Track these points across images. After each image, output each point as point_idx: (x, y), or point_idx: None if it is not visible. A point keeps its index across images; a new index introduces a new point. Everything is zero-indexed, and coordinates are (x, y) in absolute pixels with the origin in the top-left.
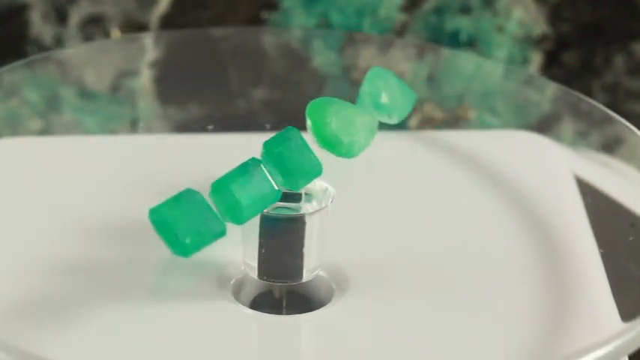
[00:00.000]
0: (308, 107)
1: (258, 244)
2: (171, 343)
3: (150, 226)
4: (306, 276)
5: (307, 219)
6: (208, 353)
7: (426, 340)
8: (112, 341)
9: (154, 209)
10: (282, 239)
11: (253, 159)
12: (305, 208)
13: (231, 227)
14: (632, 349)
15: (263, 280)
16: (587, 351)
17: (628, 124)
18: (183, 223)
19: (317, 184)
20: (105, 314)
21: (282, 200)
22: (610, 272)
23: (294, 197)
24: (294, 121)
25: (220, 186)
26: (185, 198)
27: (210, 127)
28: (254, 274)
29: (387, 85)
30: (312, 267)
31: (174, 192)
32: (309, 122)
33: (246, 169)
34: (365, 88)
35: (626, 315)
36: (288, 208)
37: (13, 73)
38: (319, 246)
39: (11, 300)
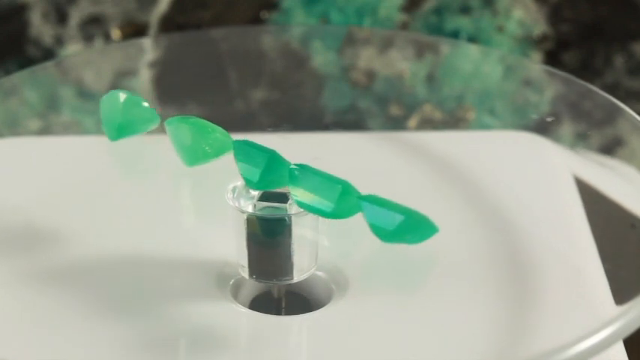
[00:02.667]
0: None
1: (247, 245)
2: (171, 344)
3: (150, 226)
4: (301, 275)
5: (299, 218)
6: (207, 354)
7: (424, 340)
8: (111, 342)
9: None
10: (269, 239)
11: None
12: (297, 207)
13: (227, 229)
14: (627, 333)
15: (252, 279)
16: (582, 338)
17: (636, 115)
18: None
19: None
20: (104, 315)
21: (268, 200)
22: (609, 273)
23: (281, 197)
24: (293, 122)
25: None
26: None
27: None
28: (246, 275)
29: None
30: (307, 265)
31: (173, 193)
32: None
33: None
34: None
35: None
36: (276, 208)
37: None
38: (313, 244)
39: (9, 298)
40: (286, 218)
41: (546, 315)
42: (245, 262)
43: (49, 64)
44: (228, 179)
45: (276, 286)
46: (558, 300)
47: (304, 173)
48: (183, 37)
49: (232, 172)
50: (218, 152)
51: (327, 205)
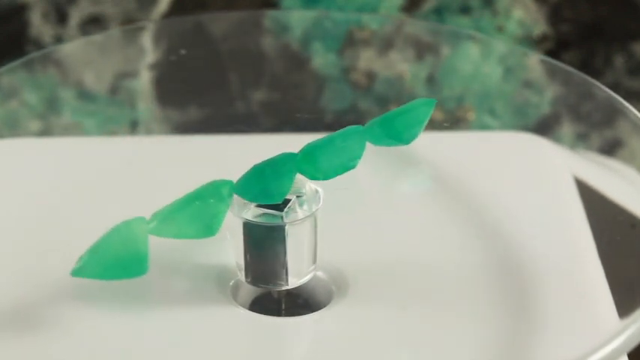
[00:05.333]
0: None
1: (243, 250)
2: (171, 346)
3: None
4: (299, 279)
5: (299, 223)
6: (207, 355)
7: (424, 342)
8: (113, 344)
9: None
10: (265, 246)
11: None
12: (296, 212)
13: (226, 231)
14: (630, 347)
15: (248, 283)
16: (586, 354)
17: (637, 113)
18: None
19: (308, 187)
20: (105, 317)
21: (266, 207)
22: (609, 274)
23: (278, 205)
24: (293, 123)
25: None
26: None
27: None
28: (245, 279)
29: None
30: (307, 270)
31: (173, 194)
32: None
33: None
34: None
35: (625, 315)
36: (272, 216)
37: (13, 75)
38: (311, 248)
39: (9, 300)
40: (281, 226)
41: (546, 322)
42: (242, 266)
43: (41, 55)
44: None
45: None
46: (558, 303)
47: (315, 149)
48: (184, 37)
49: (233, 175)
50: (225, 200)
51: (354, 159)
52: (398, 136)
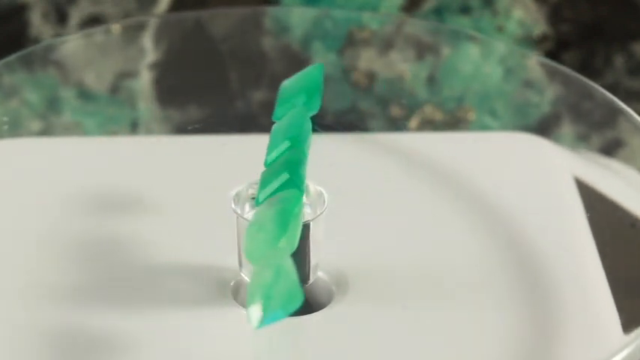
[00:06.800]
0: None
1: None
2: (172, 346)
3: (150, 227)
4: (314, 276)
5: (317, 219)
6: (207, 355)
7: (424, 344)
8: (112, 344)
9: None
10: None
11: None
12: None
13: (228, 232)
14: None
15: None
16: None
17: (636, 115)
18: None
19: (312, 189)
20: (104, 318)
21: None
22: (610, 274)
23: None
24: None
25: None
26: None
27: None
28: None
29: None
30: (315, 267)
31: (173, 194)
32: None
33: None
34: None
35: (627, 318)
36: None
37: (13, 74)
38: (316, 250)
39: (9, 300)
40: (307, 224)
41: (546, 321)
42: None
43: (38, 50)
44: (230, 183)
45: None
46: (558, 303)
47: (299, 136)
48: (184, 39)
49: (233, 175)
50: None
51: (310, 139)
52: (316, 108)
